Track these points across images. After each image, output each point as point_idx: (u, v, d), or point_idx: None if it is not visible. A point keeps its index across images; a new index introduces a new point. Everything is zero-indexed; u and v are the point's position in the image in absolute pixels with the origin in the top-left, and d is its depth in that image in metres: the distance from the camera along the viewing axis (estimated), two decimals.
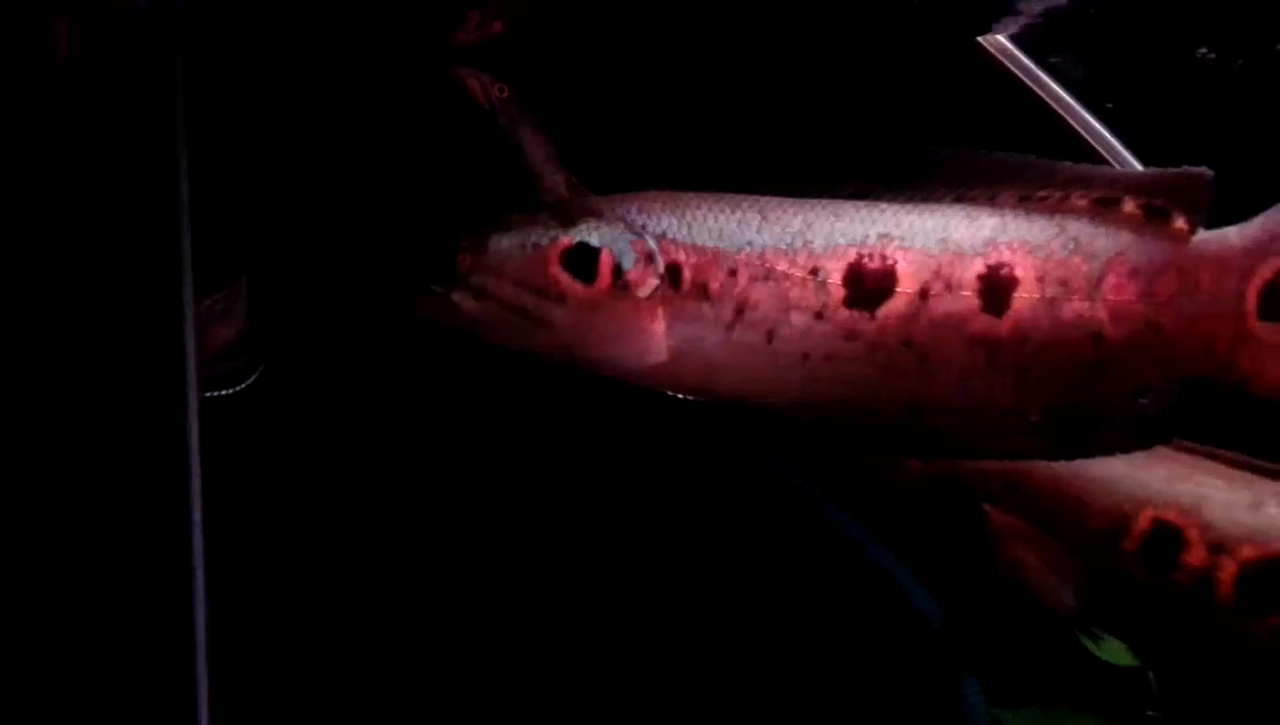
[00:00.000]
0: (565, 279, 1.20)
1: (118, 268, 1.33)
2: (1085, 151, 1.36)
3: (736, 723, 1.63)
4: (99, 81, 1.33)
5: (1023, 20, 1.36)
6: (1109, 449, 1.15)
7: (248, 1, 1.36)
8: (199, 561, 1.29)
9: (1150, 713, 1.54)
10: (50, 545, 1.42)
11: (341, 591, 1.58)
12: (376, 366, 1.50)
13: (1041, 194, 1.15)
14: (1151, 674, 1.51)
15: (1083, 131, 1.36)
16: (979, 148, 1.21)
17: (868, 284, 1.14)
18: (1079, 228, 1.11)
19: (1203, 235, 1.09)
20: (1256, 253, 1.07)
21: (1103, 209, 1.12)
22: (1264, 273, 1.06)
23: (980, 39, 1.36)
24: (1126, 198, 1.12)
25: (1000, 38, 1.36)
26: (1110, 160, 1.35)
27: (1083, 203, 1.13)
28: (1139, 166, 1.33)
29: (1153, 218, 1.11)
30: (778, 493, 1.59)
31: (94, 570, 1.45)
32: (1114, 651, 1.53)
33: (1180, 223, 1.10)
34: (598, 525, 1.63)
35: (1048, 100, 1.36)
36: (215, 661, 1.31)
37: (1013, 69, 1.36)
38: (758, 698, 1.63)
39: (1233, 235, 1.09)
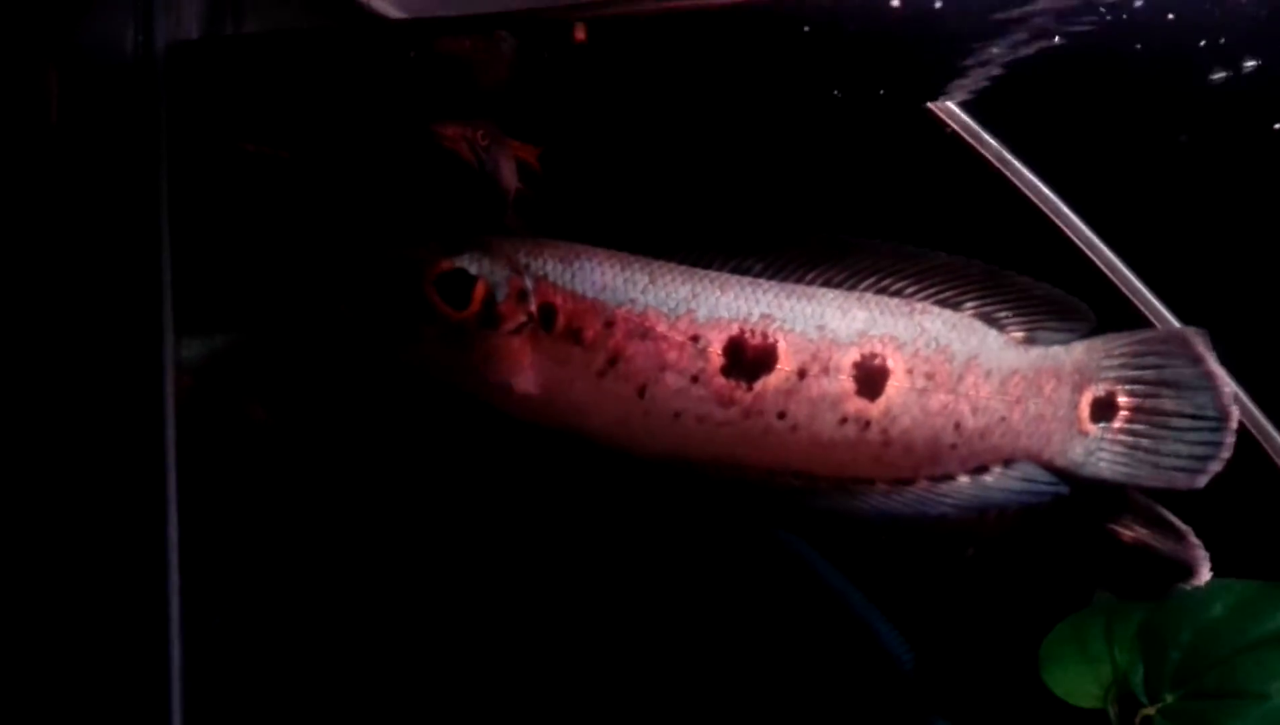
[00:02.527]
0: (438, 300, 1.28)
1: (102, 287, 1.39)
2: (1031, 211, 1.48)
3: None
4: (86, 124, 1.42)
5: (970, 87, 1.44)
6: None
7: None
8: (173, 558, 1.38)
9: None
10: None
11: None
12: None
13: (896, 287, 1.27)
14: (1111, 712, 1.65)
15: (1026, 191, 1.47)
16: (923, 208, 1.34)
17: (748, 357, 1.24)
18: (936, 329, 1.25)
19: (1040, 349, 1.25)
20: (1087, 371, 1.24)
21: (950, 312, 1.26)
22: (1094, 391, 1.24)
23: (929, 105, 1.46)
24: (967, 303, 1.27)
25: (949, 104, 1.46)
26: (1053, 218, 1.47)
27: (934, 306, 1.27)
28: (1081, 224, 1.48)
29: (991, 325, 1.25)
30: (750, 536, 1.70)
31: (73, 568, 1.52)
32: (1074, 691, 1.65)
33: (1017, 334, 1.24)
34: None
35: (993, 161, 1.46)
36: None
37: (960, 132, 1.47)
38: None
39: (1064, 352, 1.27)
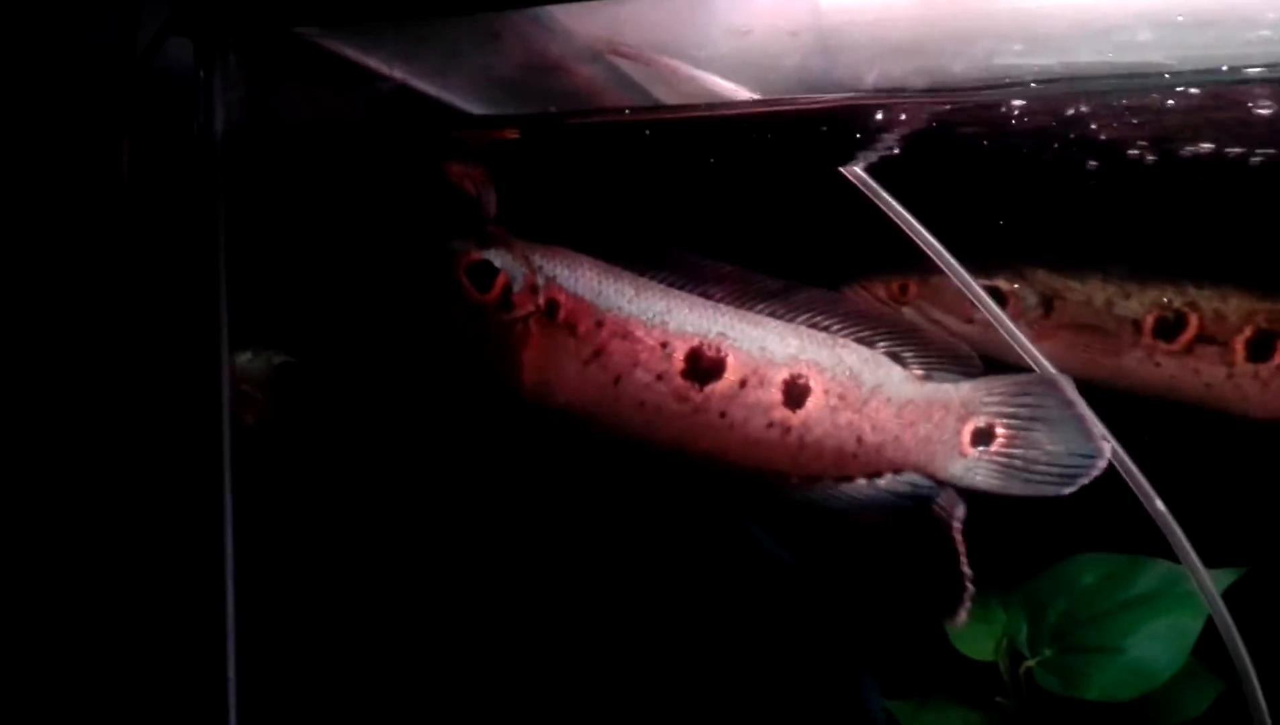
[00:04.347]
0: (466, 283, 1.58)
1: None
2: (920, 255, 1.71)
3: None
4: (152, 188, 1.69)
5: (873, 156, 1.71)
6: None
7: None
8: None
9: (999, 699, 1.97)
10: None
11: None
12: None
13: (825, 323, 1.57)
14: (1002, 664, 1.95)
15: (919, 242, 1.69)
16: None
17: (703, 365, 1.54)
18: (852, 361, 1.55)
19: (934, 385, 1.54)
20: (971, 405, 1.53)
21: (865, 349, 1.56)
22: (975, 422, 1.53)
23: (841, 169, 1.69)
24: (880, 342, 1.56)
25: (857, 168, 1.69)
26: (939, 262, 1.69)
27: (850, 341, 1.56)
28: (962, 271, 1.69)
29: (897, 362, 1.55)
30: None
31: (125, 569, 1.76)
32: (974, 647, 1.96)
33: (917, 372, 1.54)
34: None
35: (894, 218, 1.68)
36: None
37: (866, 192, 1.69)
38: (682, 702, 2.04)
39: (952, 389, 1.55)
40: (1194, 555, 1.69)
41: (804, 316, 1.57)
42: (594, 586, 2.05)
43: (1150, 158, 1.69)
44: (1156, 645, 1.86)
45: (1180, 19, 1.46)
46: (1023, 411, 1.51)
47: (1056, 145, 1.68)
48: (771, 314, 1.57)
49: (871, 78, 1.69)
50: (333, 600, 1.86)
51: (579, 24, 1.70)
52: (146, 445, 1.76)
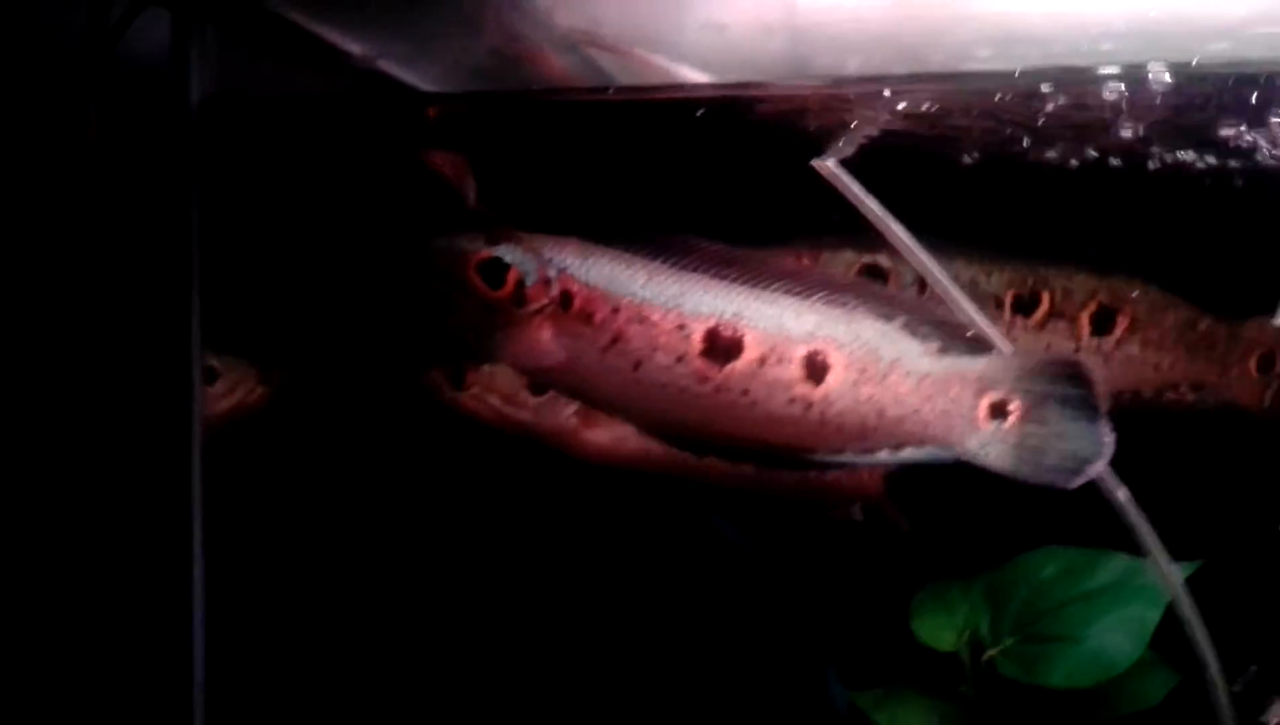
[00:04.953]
0: (478, 281, 1.55)
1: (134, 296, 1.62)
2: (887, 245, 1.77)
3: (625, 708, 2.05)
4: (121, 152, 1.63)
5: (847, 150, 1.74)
6: None
7: None
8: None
9: (962, 688, 1.99)
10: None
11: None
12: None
13: (840, 299, 1.57)
14: (964, 654, 1.97)
15: (886, 233, 1.73)
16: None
17: (721, 346, 1.52)
18: (870, 335, 1.54)
19: (951, 359, 1.55)
20: (987, 380, 1.53)
21: (883, 323, 1.55)
22: (991, 396, 1.53)
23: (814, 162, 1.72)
24: (896, 317, 1.56)
25: (829, 161, 1.72)
26: (907, 255, 1.74)
27: (869, 316, 1.56)
28: (927, 260, 1.73)
29: (914, 337, 1.55)
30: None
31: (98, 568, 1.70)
32: (936, 638, 1.99)
33: (934, 345, 1.55)
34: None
35: (862, 209, 1.71)
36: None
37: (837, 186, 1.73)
38: (649, 692, 2.07)
39: (969, 363, 1.55)
40: (1157, 545, 1.74)
41: (819, 293, 1.57)
42: (560, 578, 2.08)
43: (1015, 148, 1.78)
44: (1117, 634, 1.90)
45: None
46: (1038, 389, 1.52)
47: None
48: (786, 292, 1.57)
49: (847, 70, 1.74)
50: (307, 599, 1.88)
51: (557, 12, 1.70)
52: (116, 433, 1.69)
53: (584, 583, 2.13)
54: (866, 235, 1.74)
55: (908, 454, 1.56)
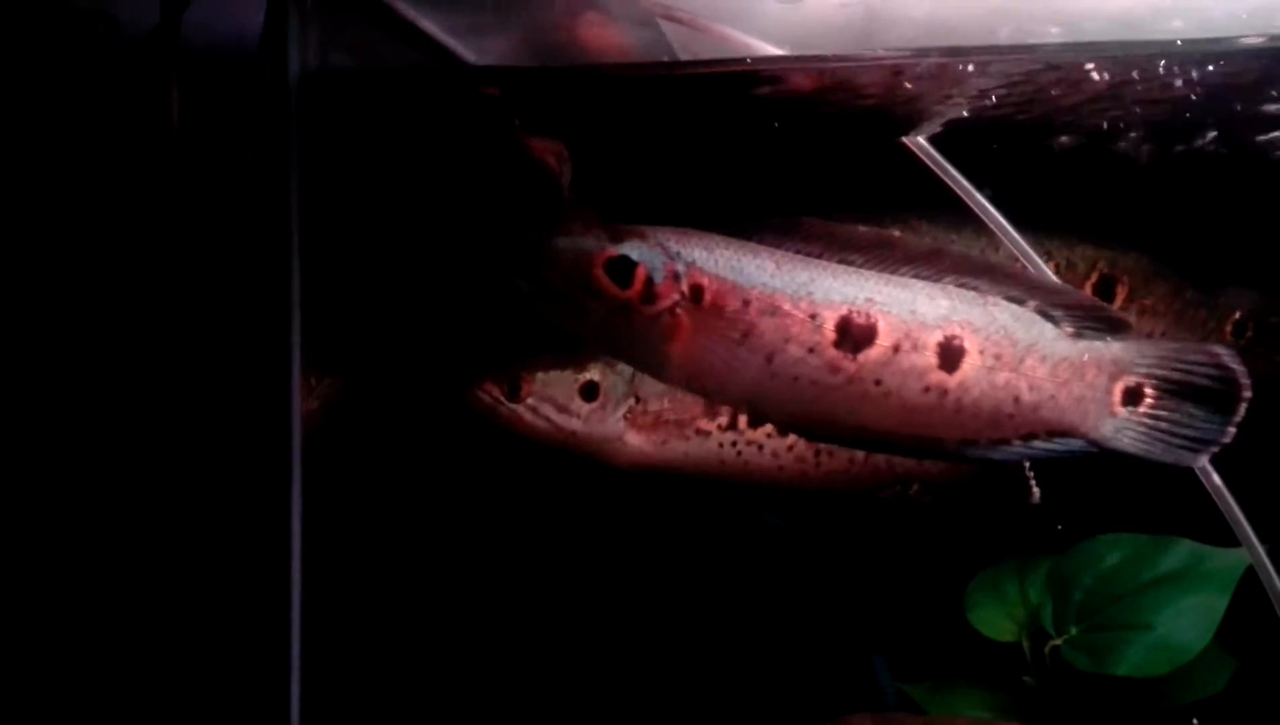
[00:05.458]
0: (605, 281, 1.47)
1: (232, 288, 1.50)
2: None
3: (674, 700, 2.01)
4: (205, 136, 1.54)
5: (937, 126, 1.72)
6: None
7: None
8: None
9: (1026, 679, 1.97)
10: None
11: None
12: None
13: (973, 283, 1.53)
14: (1025, 644, 1.96)
15: (978, 212, 1.74)
16: None
17: (854, 333, 1.46)
18: (1005, 319, 1.51)
19: (1085, 342, 1.52)
20: (1122, 364, 1.51)
21: (1016, 306, 1.52)
22: (1126, 381, 1.51)
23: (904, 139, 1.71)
24: (1029, 301, 1.53)
25: (920, 139, 1.71)
26: (996, 232, 1.74)
27: (1001, 299, 1.52)
28: (1017, 236, 1.74)
29: (1048, 320, 1.52)
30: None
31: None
32: (995, 628, 1.96)
33: (1068, 328, 1.52)
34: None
35: (953, 187, 1.71)
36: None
37: (928, 162, 1.71)
38: (697, 685, 2.03)
39: (1104, 347, 1.52)
40: (1250, 531, 1.77)
41: (951, 277, 1.52)
42: (606, 569, 2.05)
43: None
44: (1186, 622, 1.90)
45: None
46: (1175, 375, 1.50)
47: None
48: (917, 276, 1.52)
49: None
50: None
51: None
52: (210, 435, 1.62)
53: (637, 580, 2.08)
54: (948, 215, 1.72)
55: (1037, 446, 1.53)
